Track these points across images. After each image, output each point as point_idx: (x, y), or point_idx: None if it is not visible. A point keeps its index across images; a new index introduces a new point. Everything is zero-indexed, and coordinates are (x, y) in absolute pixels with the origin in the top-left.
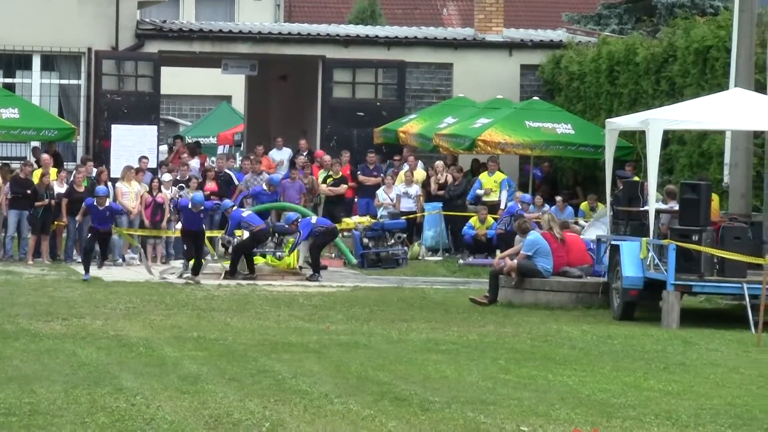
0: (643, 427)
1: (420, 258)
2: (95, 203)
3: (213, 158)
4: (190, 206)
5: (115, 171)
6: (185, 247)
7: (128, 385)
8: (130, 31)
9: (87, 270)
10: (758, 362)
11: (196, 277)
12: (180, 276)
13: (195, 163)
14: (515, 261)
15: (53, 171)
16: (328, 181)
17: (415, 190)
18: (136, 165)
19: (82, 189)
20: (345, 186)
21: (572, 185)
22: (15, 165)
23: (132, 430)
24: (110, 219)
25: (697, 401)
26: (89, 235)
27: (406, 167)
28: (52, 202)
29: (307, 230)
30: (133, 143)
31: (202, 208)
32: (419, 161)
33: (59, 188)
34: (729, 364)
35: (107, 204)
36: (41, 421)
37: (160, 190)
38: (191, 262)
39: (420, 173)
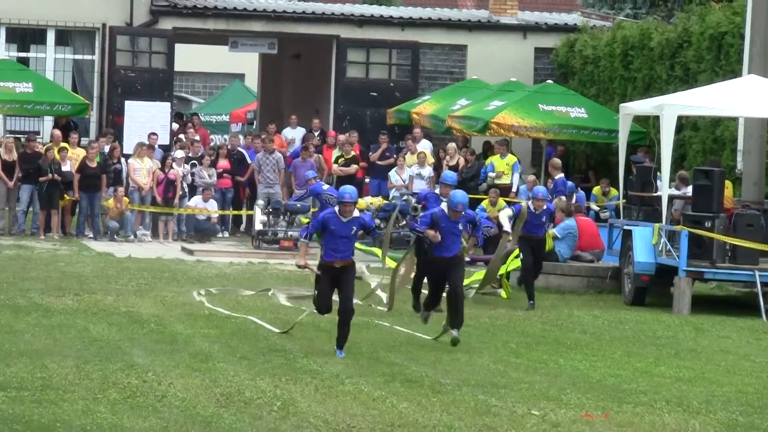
0: (654, 412)
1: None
2: (337, 213)
3: (226, 136)
4: (444, 210)
5: (128, 147)
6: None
7: (140, 361)
8: (145, 8)
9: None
10: None
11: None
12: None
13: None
14: None
15: (68, 146)
16: (339, 161)
17: (428, 171)
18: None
19: (94, 164)
20: (356, 166)
21: (585, 169)
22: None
23: (144, 406)
24: (354, 240)
25: (708, 388)
26: (320, 284)
27: (418, 148)
28: (56, 177)
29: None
30: (146, 119)
31: (463, 214)
32: (423, 141)
33: (65, 164)
34: (740, 351)
35: (355, 215)
36: (53, 396)
37: (172, 167)
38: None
39: (426, 153)
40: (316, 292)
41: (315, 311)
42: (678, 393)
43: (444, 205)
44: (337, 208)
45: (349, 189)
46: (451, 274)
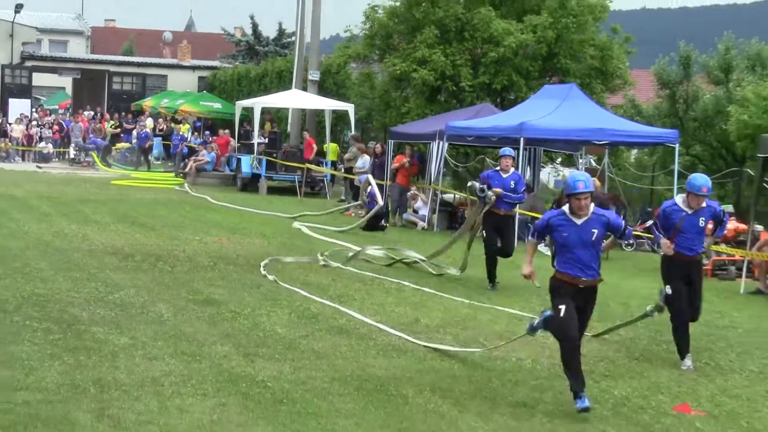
0: (249, 237)
1: None
2: (567, 213)
3: None
4: (680, 204)
5: None
6: None
7: None
8: None
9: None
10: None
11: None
12: None
13: None
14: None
15: None
16: None
17: None
18: None
19: None
20: None
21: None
22: None
23: None
24: (599, 248)
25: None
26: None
27: None
28: None
29: None
30: None
31: (705, 204)
32: None
33: None
34: (289, 210)
35: (591, 210)
36: None
37: None
38: None
39: None
40: (560, 314)
41: (563, 343)
42: (261, 230)
43: (678, 198)
44: (566, 206)
45: (581, 175)
46: (693, 288)
